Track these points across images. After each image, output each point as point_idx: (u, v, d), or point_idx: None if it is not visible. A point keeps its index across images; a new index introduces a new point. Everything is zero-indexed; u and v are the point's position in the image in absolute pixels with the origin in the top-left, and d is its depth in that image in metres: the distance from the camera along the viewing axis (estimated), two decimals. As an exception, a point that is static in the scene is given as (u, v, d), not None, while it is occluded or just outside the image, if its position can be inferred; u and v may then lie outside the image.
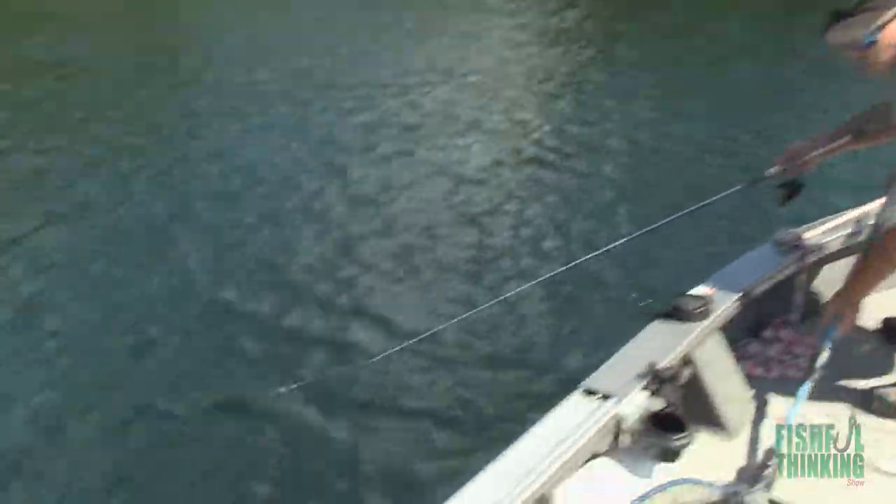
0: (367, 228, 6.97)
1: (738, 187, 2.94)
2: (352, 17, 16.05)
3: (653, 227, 3.05)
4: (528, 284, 3.41)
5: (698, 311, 2.85)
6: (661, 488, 2.38)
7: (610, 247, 3.10)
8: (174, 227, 7.10)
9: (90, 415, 4.69)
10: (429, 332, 3.22)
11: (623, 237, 3.12)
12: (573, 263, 3.39)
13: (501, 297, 3.45)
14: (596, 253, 3.19)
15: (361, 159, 8.62)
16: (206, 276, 6.22)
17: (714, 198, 2.95)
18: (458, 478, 2.26)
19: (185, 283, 6.13)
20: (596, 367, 2.67)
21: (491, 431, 4.25)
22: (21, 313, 5.79)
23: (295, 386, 4.24)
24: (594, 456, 2.45)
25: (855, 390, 2.94)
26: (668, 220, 3.00)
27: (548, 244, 6.60)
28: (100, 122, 10.15)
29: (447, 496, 2.17)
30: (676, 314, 2.86)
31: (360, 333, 5.37)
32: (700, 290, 3.02)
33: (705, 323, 2.85)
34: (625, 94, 10.84)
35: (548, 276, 3.33)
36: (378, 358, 3.24)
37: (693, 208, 2.97)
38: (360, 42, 13.98)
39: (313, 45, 13.82)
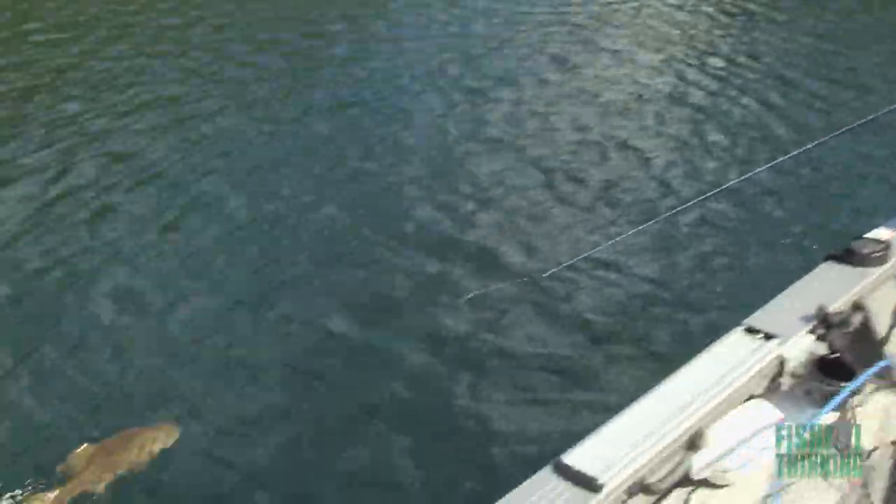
0: (503, 151, 6.91)
1: None
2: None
3: (819, 141, 2.84)
4: (683, 205, 3.28)
5: (875, 255, 2.67)
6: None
7: (767, 166, 2.90)
8: (304, 145, 7.20)
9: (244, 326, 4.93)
10: (576, 258, 3.17)
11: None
12: (724, 186, 3.24)
13: (652, 221, 3.35)
14: (755, 172, 3.03)
15: (500, 84, 8.42)
16: (333, 198, 6.25)
17: None
18: (611, 406, 2.27)
19: (318, 202, 6.22)
20: (758, 305, 2.58)
21: (643, 362, 4.20)
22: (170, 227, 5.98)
23: (469, 296, 4.29)
24: (752, 396, 2.38)
25: None
26: (839, 132, 2.78)
27: (699, 172, 6.34)
28: (228, 39, 10.20)
29: (599, 423, 2.19)
30: (850, 257, 2.69)
31: (493, 259, 5.33)
32: (878, 232, 2.81)
33: (882, 269, 2.67)
34: (782, 28, 10.04)
35: (700, 197, 3.20)
36: (541, 276, 3.19)
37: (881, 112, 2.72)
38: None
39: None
